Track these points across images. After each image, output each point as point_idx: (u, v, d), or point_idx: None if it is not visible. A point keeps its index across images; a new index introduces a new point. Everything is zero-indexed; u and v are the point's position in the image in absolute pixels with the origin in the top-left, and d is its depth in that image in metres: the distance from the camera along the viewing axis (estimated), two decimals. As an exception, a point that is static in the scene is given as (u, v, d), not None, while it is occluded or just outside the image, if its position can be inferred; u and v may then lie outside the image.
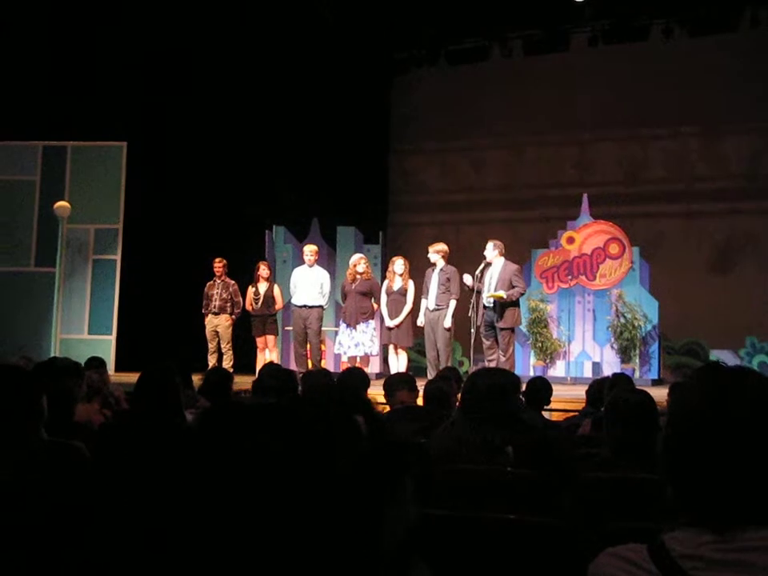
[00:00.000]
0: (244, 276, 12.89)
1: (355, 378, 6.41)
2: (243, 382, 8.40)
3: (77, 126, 14.38)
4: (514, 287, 11.23)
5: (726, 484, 1.54)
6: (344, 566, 0.88)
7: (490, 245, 11.51)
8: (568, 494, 3.74)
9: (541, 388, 7.00)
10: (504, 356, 11.17)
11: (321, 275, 12.47)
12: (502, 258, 11.44)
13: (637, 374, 13.34)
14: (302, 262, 12.64)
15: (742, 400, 1.58)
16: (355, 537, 0.89)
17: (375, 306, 12.15)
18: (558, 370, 13.97)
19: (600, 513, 3.41)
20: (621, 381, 6.08)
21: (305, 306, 12.31)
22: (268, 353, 12.57)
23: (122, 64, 14.40)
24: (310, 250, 12.65)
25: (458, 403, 6.02)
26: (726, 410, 1.57)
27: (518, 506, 3.42)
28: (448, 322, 11.42)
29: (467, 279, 11.26)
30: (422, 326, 11.72)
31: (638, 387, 5.56)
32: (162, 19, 14.16)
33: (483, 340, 11.34)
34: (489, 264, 11.41)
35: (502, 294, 11.08)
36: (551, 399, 7.34)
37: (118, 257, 14.62)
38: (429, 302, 11.58)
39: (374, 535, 0.90)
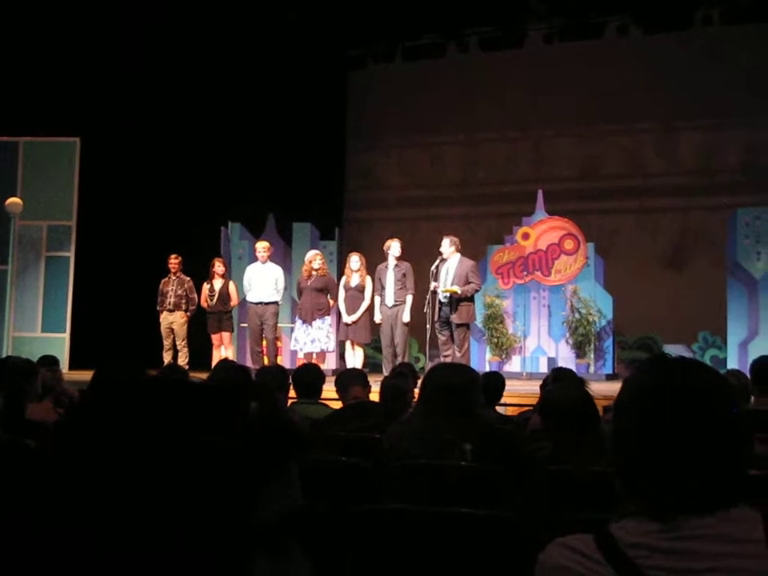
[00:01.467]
0: (199, 273, 12.83)
1: (310, 373, 6.40)
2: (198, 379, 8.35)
3: (29, 121, 14.21)
4: (469, 283, 11.28)
5: (671, 473, 1.56)
6: (213, 534, 0.89)
7: (446, 240, 11.55)
8: (522, 487, 3.77)
9: (494, 383, 7.02)
10: (459, 352, 11.22)
11: (275, 271, 12.45)
12: (458, 254, 11.50)
13: (591, 369, 13.45)
14: (257, 259, 12.61)
15: (685, 390, 1.60)
16: (227, 508, 0.90)
17: (331, 302, 12.16)
18: (513, 365, 14.02)
19: (552, 505, 3.43)
20: (565, 376, 6.08)
21: (260, 303, 12.29)
22: (223, 350, 12.52)
23: (75, 57, 14.26)
24: (262, 246, 12.63)
25: (415, 398, 6.03)
26: (670, 400, 1.59)
27: (472, 501, 3.44)
28: (407, 317, 11.48)
29: (433, 285, 11.31)
30: (379, 322, 11.75)
31: (590, 382, 5.59)
32: (116, 12, 14.04)
33: (438, 336, 11.38)
34: (444, 260, 11.46)
35: (456, 289, 11.14)
36: (503, 394, 7.36)
37: (71, 254, 14.48)
38: (386, 299, 11.61)
39: (245, 508, 0.92)
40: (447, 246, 11.50)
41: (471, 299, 11.44)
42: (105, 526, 0.89)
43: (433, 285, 11.28)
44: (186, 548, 0.88)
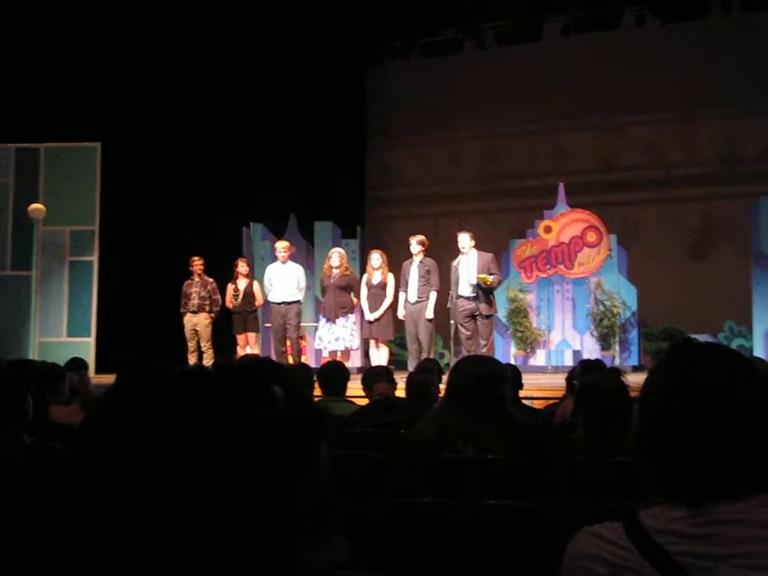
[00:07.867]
0: (222, 274, 12.86)
1: (335, 371, 6.41)
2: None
3: (50, 128, 14.28)
4: (492, 274, 11.32)
5: (697, 459, 1.55)
6: (261, 519, 0.88)
7: (465, 236, 11.57)
8: (550, 479, 3.75)
9: (512, 375, 6.98)
10: (486, 344, 11.25)
11: (296, 271, 12.45)
12: (474, 249, 11.54)
13: (617, 361, 13.39)
14: (278, 259, 12.63)
15: (710, 374, 1.59)
16: (272, 493, 0.89)
17: (355, 300, 12.15)
18: (538, 359, 14.00)
19: (581, 495, 3.42)
20: (593, 367, 6.07)
21: (283, 303, 12.30)
22: (249, 350, 12.54)
23: (94, 63, 14.31)
24: (281, 246, 12.65)
25: (442, 392, 6.03)
26: (695, 384, 1.58)
27: (500, 493, 3.43)
28: (430, 314, 11.46)
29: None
30: (402, 318, 11.74)
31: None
32: (134, 16, 14.09)
33: (463, 331, 11.38)
34: (462, 255, 11.51)
35: (489, 277, 11.17)
36: (523, 385, 7.33)
37: (94, 258, 14.53)
38: (410, 295, 11.59)
39: (290, 494, 0.91)
40: (468, 240, 11.51)
41: (492, 291, 11.51)
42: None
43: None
44: (237, 532, 0.87)
